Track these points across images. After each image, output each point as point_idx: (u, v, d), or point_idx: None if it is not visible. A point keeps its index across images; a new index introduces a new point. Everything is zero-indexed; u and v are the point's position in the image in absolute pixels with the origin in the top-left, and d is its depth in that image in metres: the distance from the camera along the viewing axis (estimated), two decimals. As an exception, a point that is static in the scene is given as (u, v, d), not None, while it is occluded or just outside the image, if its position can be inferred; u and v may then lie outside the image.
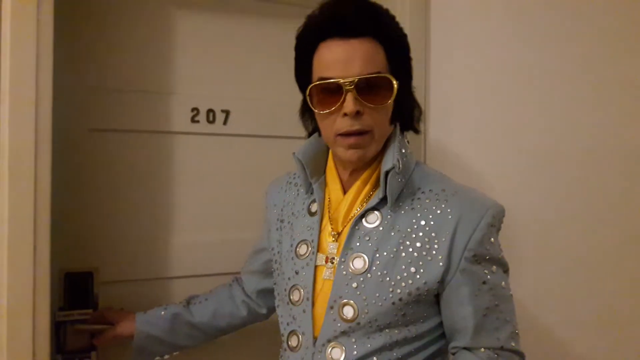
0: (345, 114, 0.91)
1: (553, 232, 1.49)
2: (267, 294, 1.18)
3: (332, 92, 0.92)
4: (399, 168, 0.94)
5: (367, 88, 0.90)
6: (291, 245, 1.04)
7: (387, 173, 0.93)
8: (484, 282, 0.93)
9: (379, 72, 0.91)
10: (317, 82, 0.93)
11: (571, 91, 1.50)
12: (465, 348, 0.95)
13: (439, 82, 1.42)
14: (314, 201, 1.04)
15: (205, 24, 1.37)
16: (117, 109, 1.28)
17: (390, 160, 0.94)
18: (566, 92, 1.49)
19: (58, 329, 1.15)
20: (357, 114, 0.91)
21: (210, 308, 1.20)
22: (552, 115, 1.48)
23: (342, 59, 0.90)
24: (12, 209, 0.99)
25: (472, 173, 1.41)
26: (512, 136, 1.45)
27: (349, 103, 0.90)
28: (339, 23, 0.91)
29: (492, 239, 0.94)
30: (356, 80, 0.89)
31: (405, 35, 0.98)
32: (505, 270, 0.97)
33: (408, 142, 1.02)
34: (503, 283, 0.95)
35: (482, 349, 0.93)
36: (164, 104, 1.33)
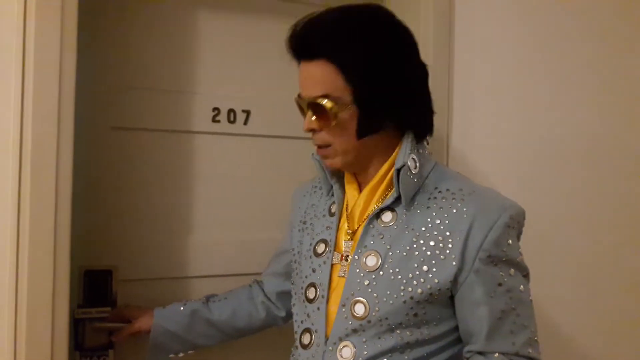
0: None
1: (553, 232, 1.50)
2: (287, 296, 1.17)
3: (302, 108, 0.99)
4: (415, 167, 0.94)
5: (315, 110, 0.94)
6: (310, 245, 1.05)
7: (398, 172, 0.94)
8: (500, 284, 0.91)
9: (324, 96, 0.92)
10: (295, 98, 1.00)
11: (573, 93, 1.54)
12: (479, 353, 0.92)
13: (461, 86, 1.41)
14: (334, 202, 1.05)
15: (227, 24, 1.37)
16: (139, 107, 1.29)
17: (401, 159, 0.94)
18: (569, 93, 1.52)
19: (77, 326, 1.16)
20: (314, 131, 0.97)
21: (229, 307, 1.20)
22: (555, 116, 1.49)
23: (303, 80, 0.95)
24: (34, 206, 0.99)
25: (478, 173, 1.40)
26: (512, 137, 1.46)
27: (305, 121, 0.97)
28: (294, 46, 0.95)
29: (510, 241, 0.92)
30: (306, 102, 0.95)
31: (372, 51, 0.91)
32: (525, 275, 0.95)
33: (428, 143, 1.02)
34: (521, 287, 0.93)
35: (496, 354, 0.90)
36: (186, 104, 1.33)
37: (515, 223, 0.94)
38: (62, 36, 1.01)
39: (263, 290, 1.24)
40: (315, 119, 0.95)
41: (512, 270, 0.92)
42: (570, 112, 1.51)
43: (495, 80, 1.44)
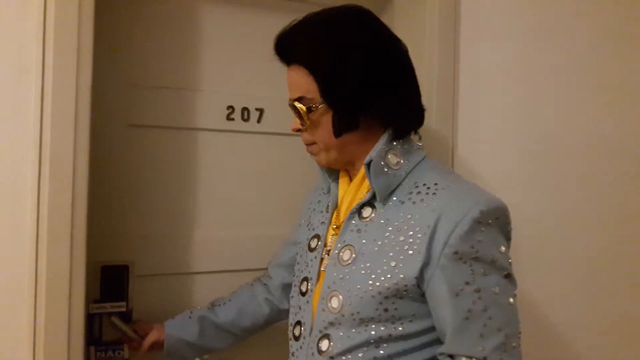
0: None
1: (553, 231, 1.50)
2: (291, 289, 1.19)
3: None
4: (397, 164, 0.95)
5: (294, 111, 0.99)
6: (307, 239, 1.08)
7: (368, 167, 0.95)
8: (468, 283, 0.86)
9: (299, 98, 0.97)
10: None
11: (573, 92, 1.53)
12: (449, 355, 0.88)
13: (467, 85, 1.41)
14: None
15: (242, 22, 1.38)
16: (155, 105, 1.30)
17: (370, 155, 0.95)
18: (568, 92, 1.52)
19: (92, 321, 1.18)
20: (300, 131, 1.02)
21: (234, 308, 1.22)
22: (560, 116, 1.50)
23: (288, 84, 1.00)
24: (51, 203, 1.01)
25: (467, 171, 1.40)
26: (513, 137, 1.46)
27: (292, 122, 1.02)
28: (275, 52, 0.99)
29: (481, 238, 0.87)
30: (289, 103, 0.99)
31: (338, 52, 0.92)
32: (506, 276, 0.89)
33: (420, 138, 1.03)
34: (497, 289, 0.87)
35: (463, 358, 0.86)
36: (201, 102, 1.34)
37: (490, 219, 0.88)
38: (79, 35, 1.03)
39: (266, 285, 1.25)
40: (297, 119, 0.99)
41: (484, 269, 0.87)
42: (577, 111, 1.51)
43: (501, 80, 1.44)
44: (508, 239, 0.93)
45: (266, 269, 1.29)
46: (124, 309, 1.20)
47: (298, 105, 0.97)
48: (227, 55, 1.37)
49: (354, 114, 0.95)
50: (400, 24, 1.43)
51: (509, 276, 0.89)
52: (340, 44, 0.93)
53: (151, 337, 1.18)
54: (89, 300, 1.16)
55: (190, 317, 1.20)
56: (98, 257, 1.20)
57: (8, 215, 1.01)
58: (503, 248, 0.90)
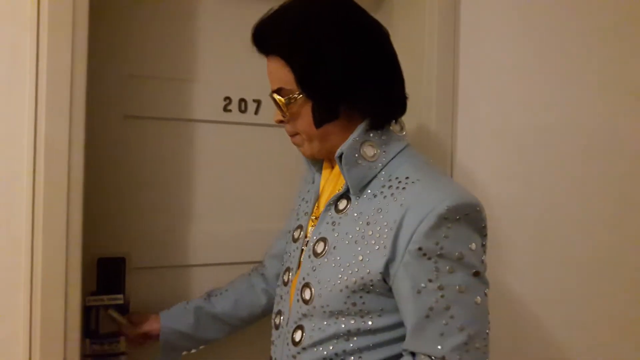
0: None
1: (553, 231, 1.50)
2: None
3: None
4: (374, 155, 0.94)
5: (275, 102, 0.98)
6: (292, 230, 1.09)
7: (340, 160, 0.94)
8: (430, 280, 0.84)
9: (278, 90, 0.96)
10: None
11: (572, 91, 1.52)
12: (411, 353, 0.88)
13: (465, 85, 1.40)
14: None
15: (240, 12, 1.36)
16: (151, 96, 1.29)
17: (342, 147, 0.94)
18: (568, 92, 1.52)
19: (88, 314, 1.17)
20: (282, 122, 1.01)
21: (231, 298, 1.22)
22: (553, 115, 1.49)
23: (267, 75, 0.99)
24: (47, 195, 1.00)
25: (467, 170, 1.40)
26: (512, 136, 1.46)
27: (274, 114, 1.02)
28: (254, 44, 0.98)
29: (447, 234, 0.84)
30: (269, 95, 0.99)
31: (313, 41, 0.91)
32: (474, 274, 0.86)
33: (402, 129, 1.00)
34: (462, 286, 0.84)
35: (422, 355, 0.85)
36: (198, 93, 1.33)
37: (458, 215, 0.85)
38: (74, 25, 1.01)
39: (263, 275, 1.25)
40: (278, 111, 0.99)
41: (450, 267, 0.84)
42: (576, 111, 1.51)
43: (501, 80, 1.44)
44: (482, 235, 0.90)
45: (263, 261, 1.29)
46: (121, 302, 1.20)
47: (277, 97, 0.96)
48: (224, 46, 1.35)
49: (333, 104, 0.94)
50: (399, 24, 1.42)
51: (477, 274, 0.87)
52: (316, 32, 0.91)
53: (145, 327, 1.18)
54: (86, 293, 1.15)
55: (186, 308, 1.20)
56: (94, 249, 1.20)
57: (3, 208, 1.00)
58: (474, 245, 0.87)
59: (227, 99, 1.36)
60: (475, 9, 1.40)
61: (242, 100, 1.37)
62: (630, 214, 1.57)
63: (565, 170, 1.50)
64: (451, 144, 1.38)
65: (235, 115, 1.37)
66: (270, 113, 1.38)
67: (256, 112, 1.39)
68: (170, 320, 1.18)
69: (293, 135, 1.02)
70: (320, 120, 0.94)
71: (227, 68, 1.36)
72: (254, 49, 0.97)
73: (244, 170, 1.39)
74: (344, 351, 0.91)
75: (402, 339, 0.91)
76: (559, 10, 1.48)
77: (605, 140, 1.54)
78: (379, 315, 0.91)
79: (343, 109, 0.94)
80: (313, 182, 1.10)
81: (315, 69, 0.91)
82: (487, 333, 0.87)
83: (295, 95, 0.94)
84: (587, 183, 1.52)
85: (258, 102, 1.39)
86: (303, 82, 0.93)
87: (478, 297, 0.86)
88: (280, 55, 0.93)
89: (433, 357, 0.84)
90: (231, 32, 1.36)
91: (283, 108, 0.96)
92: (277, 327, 1.04)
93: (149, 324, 1.18)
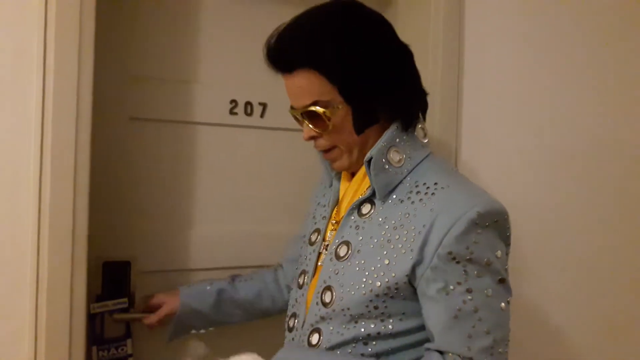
0: None
1: (554, 232, 1.50)
2: None
3: (297, 119, 1.00)
4: (400, 161, 0.94)
5: (309, 118, 0.95)
6: (309, 233, 1.09)
7: (368, 164, 0.94)
8: (459, 283, 0.85)
9: (314, 103, 0.93)
10: (289, 110, 1.00)
11: (573, 92, 1.52)
12: (437, 351, 0.86)
13: (470, 87, 1.41)
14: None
15: (246, 15, 1.36)
16: (157, 98, 1.29)
17: (371, 152, 0.94)
18: (569, 93, 1.52)
19: (93, 320, 1.16)
20: (315, 139, 0.98)
21: (255, 287, 1.22)
22: (557, 118, 1.50)
23: (290, 92, 0.96)
24: (52, 198, 1.00)
25: (471, 171, 1.40)
26: (516, 139, 1.46)
27: (305, 131, 0.98)
28: (272, 63, 0.95)
29: (477, 240, 0.85)
30: (299, 112, 0.96)
31: (346, 46, 0.90)
32: (500, 280, 0.87)
33: (425, 135, 1.00)
34: (490, 291, 0.85)
35: (450, 354, 0.85)
36: (204, 95, 1.33)
37: (487, 221, 0.86)
38: (81, 27, 1.01)
39: (286, 274, 1.25)
40: (313, 126, 0.96)
41: (478, 272, 0.85)
42: (580, 114, 1.52)
43: (505, 83, 1.44)
44: (507, 244, 0.91)
45: (269, 266, 1.29)
46: (126, 306, 1.19)
47: (318, 109, 0.93)
48: (230, 48, 1.35)
49: (374, 106, 0.94)
50: (404, 28, 1.41)
51: (503, 281, 0.88)
52: (344, 38, 0.91)
53: (164, 310, 1.17)
54: (91, 296, 1.15)
55: (209, 288, 1.19)
56: (100, 253, 1.19)
57: (9, 210, 1.00)
58: (499, 253, 0.88)
59: (233, 102, 1.35)
60: (480, 13, 1.40)
61: (248, 103, 1.37)
62: (631, 214, 1.57)
63: (567, 171, 1.50)
64: (455, 146, 1.38)
65: (241, 118, 1.36)
66: (276, 116, 1.39)
67: (262, 115, 1.38)
68: (191, 298, 1.18)
69: (329, 149, 0.99)
70: (362, 125, 0.94)
71: (233, 71, 1.36)
72: (261, 53, 0.96)
73: (249, 174, 1.39)
74: (362, 355, 0.91)
75: (420, 343, 0.91)
76: (561, 13, 1.49)
77: (607, 141, 1.54)
78: (400, 319, 0.90)
79: (379, 111, 0.95)
80: (331, 186, 1.09)
81: (355, 74, 0.91)
82: (508, 340, 0.88)
83: (337, 105, 0.92)
84: (589, 183, 1.53)
85: (264, 105, 1.38)
86: (346, 89, 0.92)
87: (503, 303, 0.87)
88: (312, 67, 0.91)
89: (460, 356, 0.84)
90: (238, 35, 1.36)
91: (325, 120, 0.93)
92: (290, 329, 1.03)
93: (168, 305, 1.18)
